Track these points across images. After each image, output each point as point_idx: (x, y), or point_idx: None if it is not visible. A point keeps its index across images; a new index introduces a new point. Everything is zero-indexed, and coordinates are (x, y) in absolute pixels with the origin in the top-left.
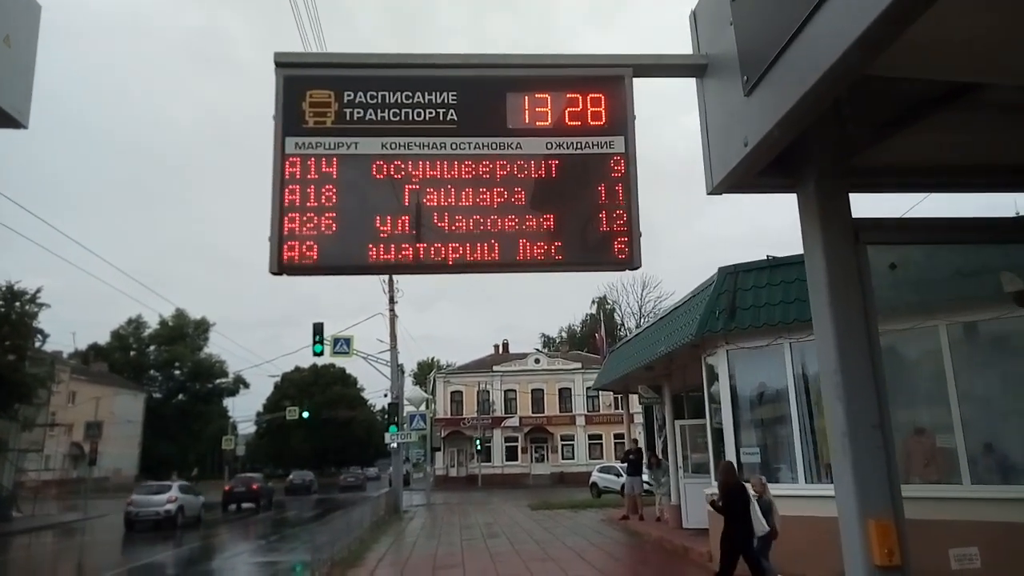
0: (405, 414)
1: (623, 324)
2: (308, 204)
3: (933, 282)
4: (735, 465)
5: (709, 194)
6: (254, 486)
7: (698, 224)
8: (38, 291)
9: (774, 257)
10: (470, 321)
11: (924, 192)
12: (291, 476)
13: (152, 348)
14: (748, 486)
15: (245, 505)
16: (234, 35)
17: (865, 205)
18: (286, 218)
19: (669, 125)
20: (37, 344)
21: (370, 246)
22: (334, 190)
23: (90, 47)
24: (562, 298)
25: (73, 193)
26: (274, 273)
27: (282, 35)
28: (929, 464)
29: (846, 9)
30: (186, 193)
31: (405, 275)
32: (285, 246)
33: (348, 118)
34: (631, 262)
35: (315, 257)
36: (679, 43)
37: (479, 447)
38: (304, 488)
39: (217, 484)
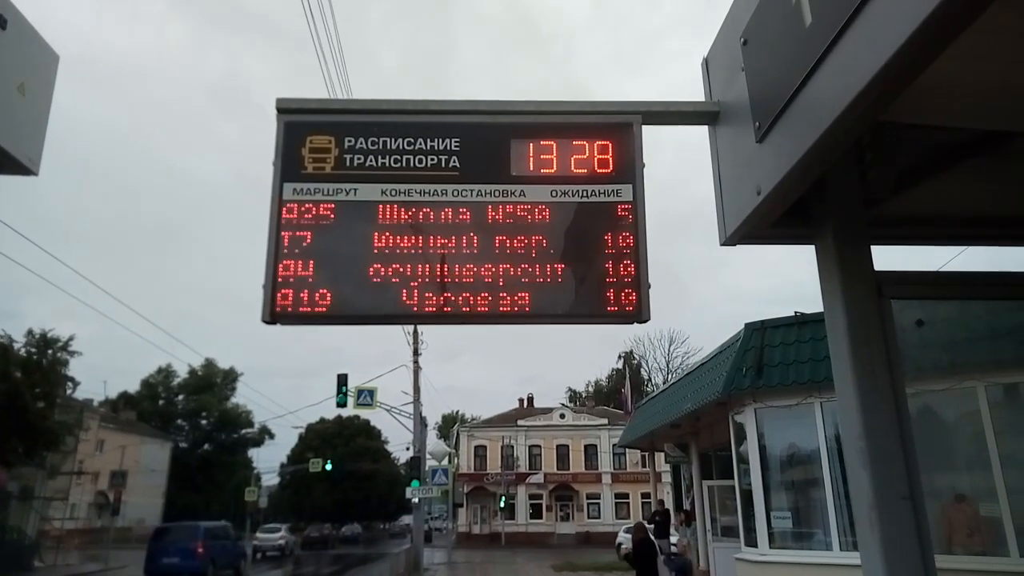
0: (427, 468)
1: (650, 380)
2: (304, 251)
3: (966, 341)
4: (645, 524)
5: (723, 245)
6: (325, 531)
7: (726, 276)
8: (70, 339)
9: (802, 313)
10: (495, 373)
11: (951, 245)
12: (343, 529)
13: (181, 397)
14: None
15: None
16: (257, 77)
17: (895, 258)
18: (281, 265)
19: (700, 174)
20: (68, 391)
21: (367, 295)
22: (331, 237)
23: (104, 91)
24: (588, 351)
25: (99, 241)
26: (266, 322)
27: (304, 76)
28: (973, 534)
29: (857, 52)
30: (209, 238)
31: (402, 325)
32: (279, 294)
33: (348, 164)
34: (639, 315)
35: (310, 306)
36: (692, 82)
37: (503, 504)
38: (353, 539)
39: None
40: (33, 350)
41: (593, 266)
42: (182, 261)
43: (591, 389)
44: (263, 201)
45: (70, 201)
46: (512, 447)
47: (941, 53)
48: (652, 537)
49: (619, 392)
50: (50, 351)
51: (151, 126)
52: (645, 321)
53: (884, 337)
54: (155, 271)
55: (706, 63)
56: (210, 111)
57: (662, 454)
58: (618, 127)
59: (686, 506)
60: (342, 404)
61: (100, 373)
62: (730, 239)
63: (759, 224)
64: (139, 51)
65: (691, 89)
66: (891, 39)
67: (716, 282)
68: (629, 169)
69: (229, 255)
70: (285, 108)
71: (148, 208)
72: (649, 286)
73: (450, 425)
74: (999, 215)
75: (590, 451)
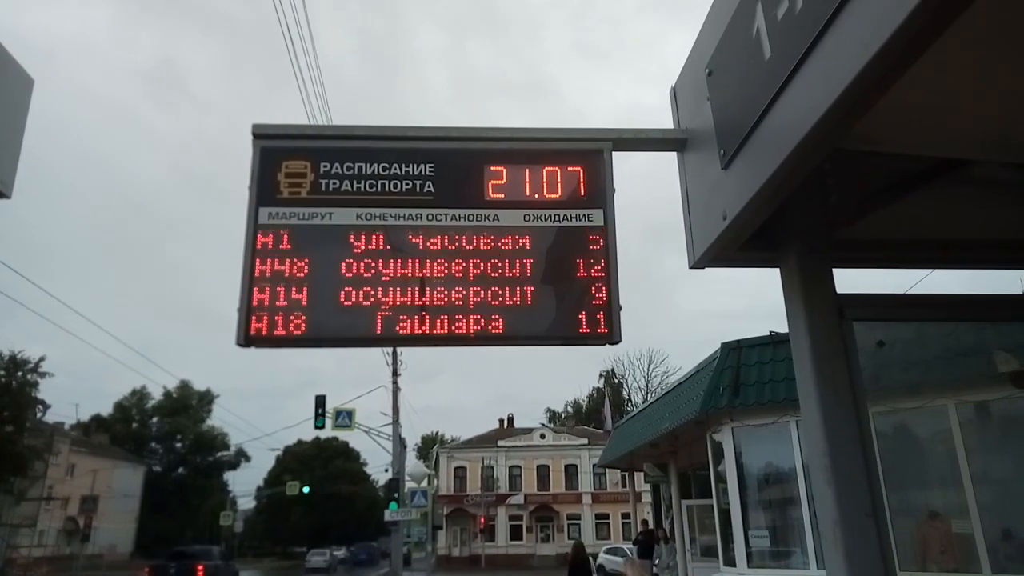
0: (407, 490)
1: (630, 399)
2: (278, 275)
3: (930, 361)
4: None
5: (691, 267)
6: (372, 553)
7: (707, 290)
8: (40, 360)
9: (777, 333)
10: (474, 392)
11: (912, 268)
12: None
13: (155, 420)
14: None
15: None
16: (193, 65)
17: (870, 281)
18: (255, 289)
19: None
20: (38, 415)
21: (341, 318)
22: (305, 261)
23: (63, 109)
24: (567, 369)
25: (59, 259)
26: (241, 345)
27: (244, 65)
28: (947, 551)
29: (814, 84)
30: (159, 242)
31: (377, 348)
32: (253, 317)
33: (324, 189)
34: (611, 336)
35: (284, 329)
36: (663, 75)
37: (483, 527)
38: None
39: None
40: (1, 372)
41: (566, 289)
42: (134, 267)
43: (570, 409)
44: (208, 200)
45: (14, 209)
46: (492, 468)
47: (892, 86)
48: (593, 557)
49: (600, 412)
50: (19, 373)
51: (79, 116)
52: (616, 342)
53: (846, 357)
54: (110, 281)
55: (674, 92)
56: (143, 100)
57: (642, 474)
58: (589, 153)
59: (665, 525)
60: (320, 426)
61: (72, 395)
62: (698, 262)
63: (726, 248)
64: (60, 33)
65: (658, 84)
66: (844, 72)
67: (698, 295)
68: (600, 194)
69: (180, 260)
70: (261, 134)
71: (91, 211)
72: (620, 308)
73: (430, 446)
74: (956, 239)
75: (570, 471)
